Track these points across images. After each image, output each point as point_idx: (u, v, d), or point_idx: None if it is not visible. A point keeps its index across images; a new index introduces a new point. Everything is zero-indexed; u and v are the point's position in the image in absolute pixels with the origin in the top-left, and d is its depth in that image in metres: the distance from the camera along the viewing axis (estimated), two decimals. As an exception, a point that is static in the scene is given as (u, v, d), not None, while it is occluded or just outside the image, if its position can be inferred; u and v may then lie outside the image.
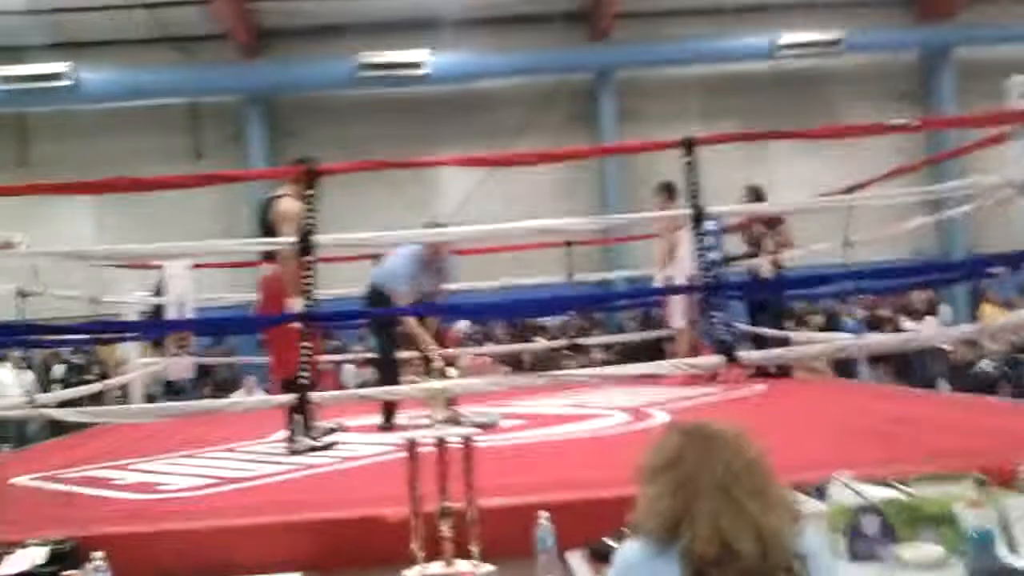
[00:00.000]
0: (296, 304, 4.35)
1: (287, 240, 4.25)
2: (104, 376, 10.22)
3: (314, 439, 4.81)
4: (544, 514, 2.75)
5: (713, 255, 7.98)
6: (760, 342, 7.33)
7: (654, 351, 9.98)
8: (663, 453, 2.01)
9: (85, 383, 8.94)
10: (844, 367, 9.39)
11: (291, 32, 14.63)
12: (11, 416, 6.31)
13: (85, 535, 3.04)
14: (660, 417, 5.51)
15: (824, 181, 12.88)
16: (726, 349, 4.02)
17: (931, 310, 12.64)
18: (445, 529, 2.84)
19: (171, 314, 7.87)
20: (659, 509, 1.95)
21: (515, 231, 4.72)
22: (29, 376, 10.58)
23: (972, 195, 6.03)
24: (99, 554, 2.73)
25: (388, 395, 4.69)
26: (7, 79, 13.38)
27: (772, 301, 7.39)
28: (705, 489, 1.90)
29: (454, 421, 3.00)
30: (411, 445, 2.89)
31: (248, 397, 9.67)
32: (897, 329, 10.25)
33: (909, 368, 10.93)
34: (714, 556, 1.85)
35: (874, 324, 10.47)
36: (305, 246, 3.71)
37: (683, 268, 7.31)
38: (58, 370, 11.65)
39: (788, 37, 13.97)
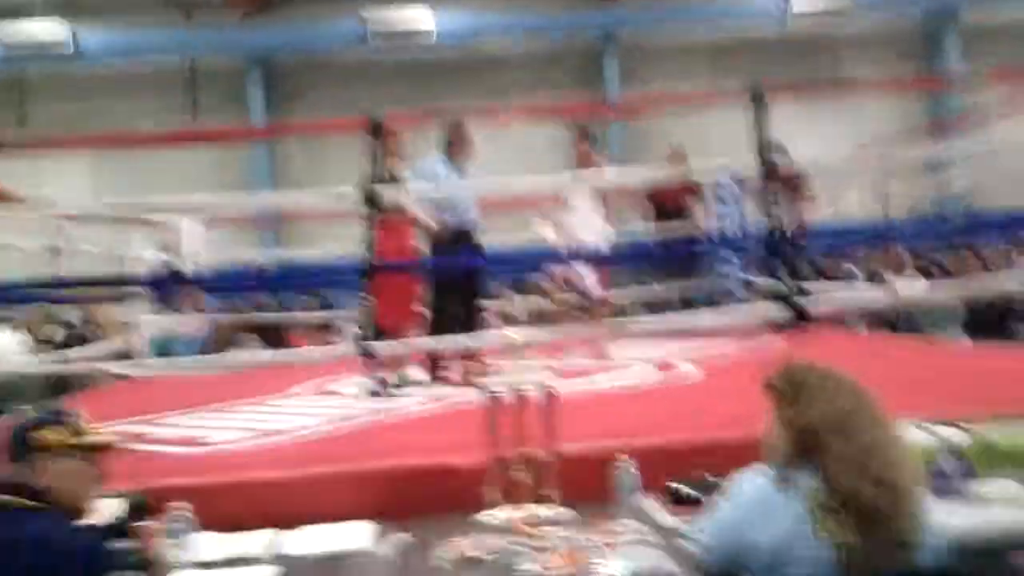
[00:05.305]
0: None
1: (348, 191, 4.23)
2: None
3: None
4: (625, 458, 2.77)
5: (730, 209, 8.08)
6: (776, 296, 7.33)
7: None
8: (793, 387, 2.02)
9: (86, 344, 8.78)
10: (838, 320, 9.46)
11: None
12: (39, 372, 6.22)
13: (156, 487, 3.03)
14: (686, 368, 5.53)
15: (829, 141, 13.00)
16: (789, 300, 4.01)
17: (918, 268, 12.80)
18: (522, 475, 2.86)
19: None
20: (785, 443, 1.98)
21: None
22: (20, 337, 10.34)
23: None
24: (183, 503, 2.73)
25: (456, 345, 4.69)
26: (6, 42, 13.20)
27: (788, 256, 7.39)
28: (841, 427, 1.93)
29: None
30: (492, 394, 2.89)
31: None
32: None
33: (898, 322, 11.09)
34: (840, 495, 1.88)
35: (872, 278, 10.57)
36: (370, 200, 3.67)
37: (595, 229, 6.33)
38: (48, 332, 11.39)
39: (799, 3, 13.84)
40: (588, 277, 6.22)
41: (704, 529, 2.11)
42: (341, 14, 13.96)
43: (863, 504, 1.85)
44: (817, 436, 1.92)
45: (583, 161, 6.19)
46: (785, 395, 2.02)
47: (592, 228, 6.16)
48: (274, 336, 10.20)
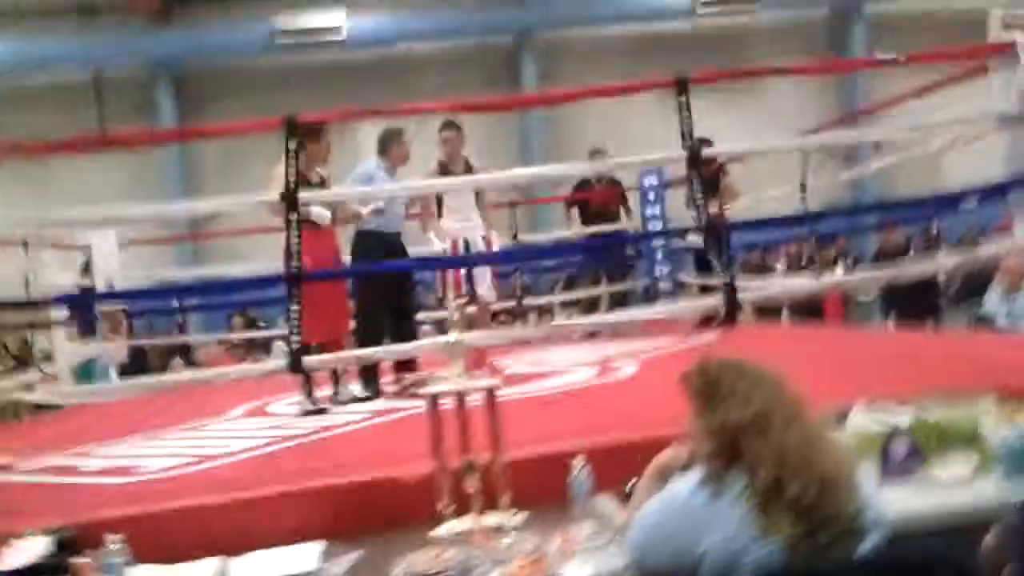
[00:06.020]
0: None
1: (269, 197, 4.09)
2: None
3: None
4: (579, 460, 2.72)
5: (655, 210, 8.18)
6: (706, 292, 7.42)
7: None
8: (707, 388, 1.99)
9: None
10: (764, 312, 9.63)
11: (200, -3, 14.10)
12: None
13: (85, 521, 2.87)
14: (627, 369, 5.53)
15: (740, 138, 13.19)
16: (724, 293, 4.03)
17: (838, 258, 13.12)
18: (471, 484, 2.79)
19: (100, 296, 7.56)
20: (708, 445, 1.95)
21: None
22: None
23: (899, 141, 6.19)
24: (116, 536, 2.58)
25: (397, 355, 4.58)
26: None
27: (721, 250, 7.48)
28: (758, 427, 1.89)
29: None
30: (433, 401, 2.82)
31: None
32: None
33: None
34: (772, 494, 1.84)
35: (795, 268, 10.78)
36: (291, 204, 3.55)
37: (478, 227, 5.92)
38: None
39: (706, -5, 14.06)
40: (484, 282, 5.85)
41: (634, 539, 2.06)
42: (251, 18, 13.65)
43: (791, 501, 1.82)
44: (736, 437, 1.89)
45: (452, 158, 5.80)
46: (701, 396, 1.99)
47: (477, 230, 5.84)
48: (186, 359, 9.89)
